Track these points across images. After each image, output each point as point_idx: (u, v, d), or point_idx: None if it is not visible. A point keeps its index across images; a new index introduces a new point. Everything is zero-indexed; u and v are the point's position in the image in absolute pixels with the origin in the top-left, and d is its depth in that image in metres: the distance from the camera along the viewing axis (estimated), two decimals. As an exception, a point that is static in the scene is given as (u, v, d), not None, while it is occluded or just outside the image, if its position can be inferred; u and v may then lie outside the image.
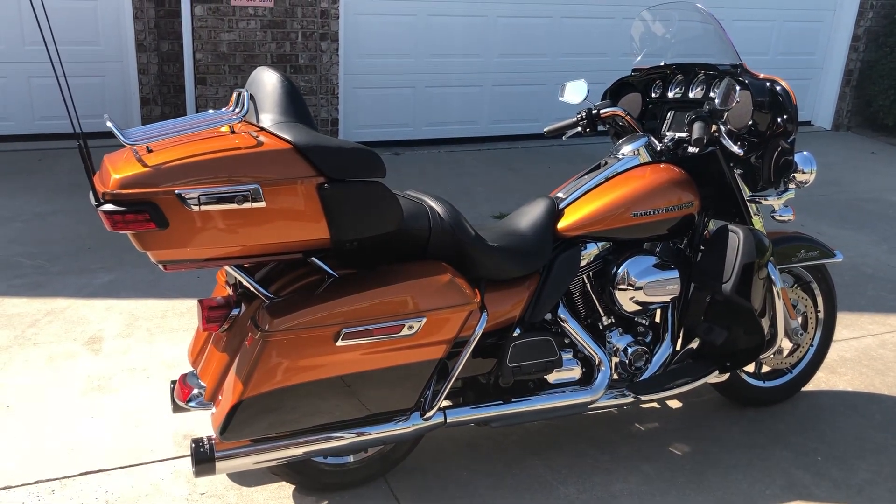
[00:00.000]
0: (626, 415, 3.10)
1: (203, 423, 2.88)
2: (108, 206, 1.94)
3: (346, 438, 2.29)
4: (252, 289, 2.26)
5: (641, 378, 2.77)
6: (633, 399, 2.73)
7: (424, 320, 2.22)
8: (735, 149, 2.62)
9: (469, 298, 2.29)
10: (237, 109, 2.24)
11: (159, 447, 2.76)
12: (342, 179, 2.10)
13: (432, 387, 2.38)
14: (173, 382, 2.55)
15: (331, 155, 2.08)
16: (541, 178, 6.30)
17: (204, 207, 1.97)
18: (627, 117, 3.01)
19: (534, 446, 2.87)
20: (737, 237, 2.65)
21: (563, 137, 3.17)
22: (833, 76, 8.49)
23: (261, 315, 2.15)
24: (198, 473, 2.19)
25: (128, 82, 6.61)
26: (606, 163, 2.82)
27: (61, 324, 3.60)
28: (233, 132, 2.16)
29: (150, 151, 2.05)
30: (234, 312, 2.33)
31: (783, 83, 2.65)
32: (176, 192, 1.96)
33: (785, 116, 2.62)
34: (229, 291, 2.45)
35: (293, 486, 2.58)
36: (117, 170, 1.98)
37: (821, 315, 3.20)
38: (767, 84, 2.66)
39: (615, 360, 2.75)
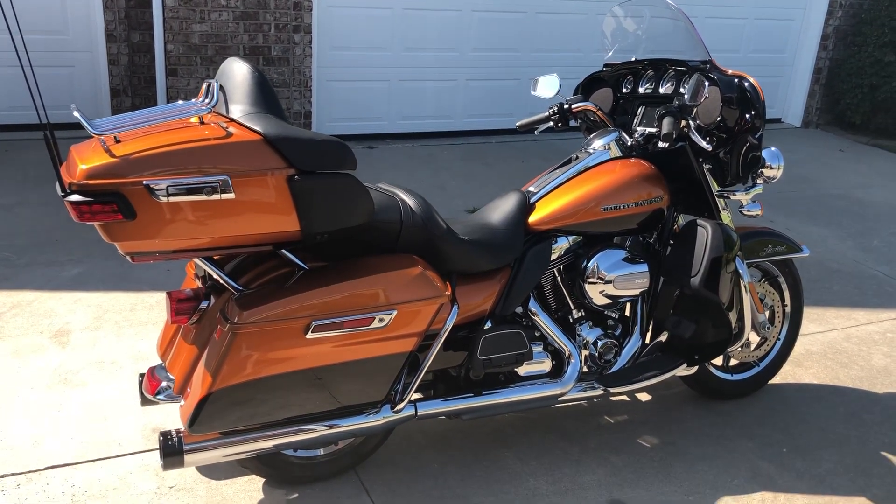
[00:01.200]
0: (596, 407, 3.13)
1: (172, 417, 2.86)
2: (75, 197, 1.92)
3: (317, 431, 2.29)
4: (222, 281, 2.25)
5: (611, 371, 2.80)
6: (602, 391, 2.76)
7: (395, 313, 2.23)
8: (704, 144, 2.66)
9: (440, 291, 2.30)
10: (207, 100, 2.22)
11: (127, 441, 2.74)
12: (312, 171, 2.09)
13: (403, 379, 2.38)
14: (141, 375, 2.53)
15: (301, 146, 2.07)
16: (514, 173, 6.32)
17: (172, 199, 1.96)
18: (599, 112, 3.03)
19: (504, 439, 2.89)
20: (705, 231, 2.68)
21: (536, 132, 3.18)
22: (803, 74, 8.60)
23: (230, 307, 2.14)
24: (166, 466, 2.18)
25: (97, 73, 6.52)
26: (577, 157, 2.84)
27: (27, 317, 3.55)
28: (202, 123, 2.14)
29: (118, 142, 2.03)
30: (203, 305, 2.32)
31: (751, 79, 2.68)
32: (144, 182, 1.94)
33: (753, 112, 2.65)
34: (198, 284, 2.43)
35: (263, 480, 2.57)
36: (84, 160, 1.96)
37: (787, 309, 3.25)
38: (736, 80, 2.69)
39: (585, 352, 2.78)
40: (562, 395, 2.68)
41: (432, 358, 2.38)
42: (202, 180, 1.98)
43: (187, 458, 2.19)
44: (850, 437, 3.06)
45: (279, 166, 2.05)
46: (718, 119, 2.69)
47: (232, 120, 2.16)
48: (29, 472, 2.55)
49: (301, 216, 2.10)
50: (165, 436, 2.20)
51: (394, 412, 2.38)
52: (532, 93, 3.19)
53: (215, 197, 1.99)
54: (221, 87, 2.22)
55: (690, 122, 2.69)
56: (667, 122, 2.62)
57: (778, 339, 3.27)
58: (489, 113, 7.45)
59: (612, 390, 2.73)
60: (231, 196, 2.01)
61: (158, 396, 2.31)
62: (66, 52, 6.39)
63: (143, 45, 6.45)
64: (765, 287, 3.20)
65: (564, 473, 2.73)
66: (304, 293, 2.14)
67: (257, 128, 2.07)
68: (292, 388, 2.18)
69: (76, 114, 2.04)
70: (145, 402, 2.50)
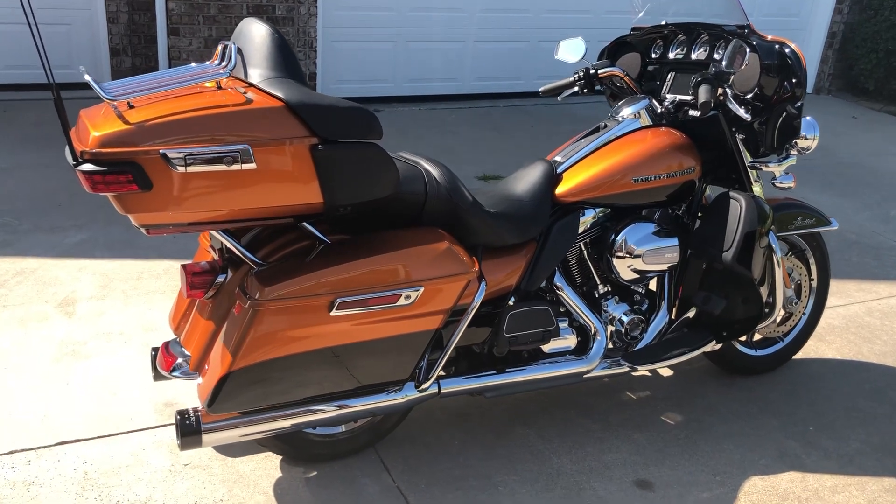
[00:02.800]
0: (617, 383, 3.06)
1: (185, 390, 2.79)
2: (87, 166, 1.81)
3: (338, 410, 2.21)
4: (239, 254, 2.15)
5: (637, 347, 2.72)
6: (627, 369, 2.68)
7: (422, 290, 2.13)
8: (742, 113, 2.54)
9: (467, 267, 2.20)
10: (224, 63, 2.10)
11: (139, 416, 2.66)
12: (336, 140, 1.99)
13: (427, 357, 2.30)
14: (154, 350, 2.45)
15: (325, 114, 1.96)
16: (524, 137, 6.20)
17: (190, 168, 1.85)
18: (626, 78, 2.91)
19: (524, 415, 2.82)
20: (738, 204, 2.58)
21: (559, 97, 3.06)
22: (816, 39, 8.43)
23: (250, 283, 2.04)
24: (183, 446, 2.10)
25: (96, 31, 6.35)
26: (606, 125, 2.73)
27: (32, 285, 3.45)
28: (220, 88, 2.02)
29: (131, 107, 1.91)
30: (220, 278, 2.23)
31: (792, 45, 2.56)
32: (160, 151, 1.83)
33: (794, 80, 2.53)
34: (214, 256, 2.33)
35: (280, 457, 2.50)
36: (97, 126, 1.85)
37: (814, 283, 3.17)
38: (776, 46, 2.57)
39: (610, 328, 2.69)
40: (587, 372, 2.60)
41: (459, 336, 2.30)
42: (222, 149, 1.87)
43: (205, 437, 2.11)
44: (876, 415, 2.99)
45: (302, 135, 1.94)
46: (755, 87, 2.58)
47: (251, 85, 2.04)
48: (39, 447, 2.47)
49: (324, 188, 2.00)
50: (182, 415, 2.12)
51: (418, 391, 2.30)
52: (555, 57, 3.07)
53: (235, 167, 1.89)
54: (239, 50, 2.10)
55: (727, 90, 2.57)
56: (703, 90, 2.50)
57: (803, 313, 3.19)
58: (497, 76, 7.30)
59: (639, 368, 2.65)
60: (252, 166, 1.90)
61: (174, 373, 2.22)
62: (63, 8, 6.21)
63: (143, 3, 6.27)
64: (792, 261, 3.11)
65: (588, 452, 2.66)
66: (328, 269, 2.04)
67: (279, 93, 1.95)
68: (314, 366, 2.09)
69: (87, 77, 1.92)
70: (158, 377, 2.43)
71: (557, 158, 2.66)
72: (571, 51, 3.01)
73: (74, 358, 2.96)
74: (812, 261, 3.14)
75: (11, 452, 2.44)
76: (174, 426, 2.17)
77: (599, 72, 2.91)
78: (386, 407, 2.29)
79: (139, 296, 3.44)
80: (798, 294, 3.14)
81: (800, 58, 2.54)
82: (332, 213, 2.07)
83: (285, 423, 2.18)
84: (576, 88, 2.98)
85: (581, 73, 2.93)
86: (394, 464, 2.52)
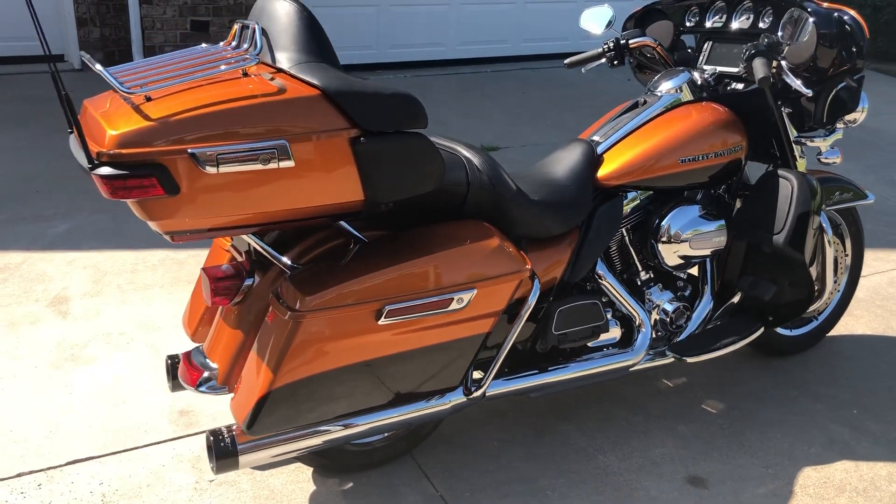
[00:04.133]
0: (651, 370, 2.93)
1: (201, 398, 2.58)
2: (105, 170, 1.59)
3: (382, 421, 2.04)
4: (270, 257, 1.95)
5: (681, 337, 2.58)
6: (672, 360, 2.54)
7: (475, 292, 1.95)
8: (802, 88, 2.37)
9: (521, 265, 2.02)
10: (247, 47, 1.88)
11: (153, 427, 2.47)
12: (379, 132, 1.78)
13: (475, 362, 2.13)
14: (171, 358, 2.25)
15: (366, 102, 1.76)
16: (517, 105, 6.00)
17: (223, 169, 1.64)
18: (658, 48, 2.73)
19: (560, 409, 2.68)
20: (789, 184, 2.43)
21: (583, 69, 2.87)
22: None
23: (286, 290, 1.84)
24: (219, 470, 1.92)
25: (59, 1, 5.96)
26: (646, 101, 2.55)
27: (19, 282, 3.21)
28: (245, 76, 1.80)
29: (149, 100, 1.69)
30: (247, 283, 2.03)
31: (852, 12, 2.39)
32: (189, 150, 1.62)
33: (853, 50, 2.37)
34: (237, 257, 2.12)
35: (311, 468, 2.33)
36: (113, 123, 1.63)
37: (848, 259, 3.05)
38: (835, 14, 2.40)
39: (654, 318, 2.55)
40: (633, 365, 2.46)
41: (514, 337, 2.13)
42: (257, 146, 1.66)
43: (242, 459, 1.92)
44: (890, 387, 2.90)
45: (342, 126, 1.74)
46: (811, 58, 2.41)
47: (280, 71, 1.82)
48: (49, 468, 2.27)
49: (366, 184, 1.80)
50: (216, 436, 1.93)
51: (467, 398, 2.13)
52: (579, 26, 2.87)
53: (272, 165, 1.68)
54: (264, 32, 1.87)
55: (782, 62, 2.40)
56: (759, 63, 2.32)
57: (838, 290, 3.08)
58: (483, 40, 7.06)
59: (689, 360, 2.51)
60: (289, 164, 1.70)
61: (201, 389, 2.03)
62: (23, -24, 5.82)
63: (111, -31, 5.90)
64: (830, 237, 2.98)
65: (633, 447, 2.53)
66: (374, 273, 1.85)
67: (314, 81, 1.74)
68: (361, 379, 1.91)
69: (98, 67, 1.69)
70: (177, 387, 2.24)
71: (595, 138, 2.48)
72: (597, 19, 2.81)
73: (75, 363, 2.75)
74: (847, 236, 3.02)
75: (19, 475, 2.24)
76: (207, 448, 1.98)
77: (630, 42, 2.72)
78: (430, 415, 2.13)
79: (136, 291, 3.22)
80: (835, 271, 3.02)
81: (862, 26, 2.37)
82: (372, 210, 1.87)
83: (326, 439, 2.00)
84: (603, 60, 2.79)
85: (611, 44, 2.74)
86: (433, 470, 2.37)
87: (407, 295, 1.87)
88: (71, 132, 1.96)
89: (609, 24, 2.79)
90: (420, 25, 6.71)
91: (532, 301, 2.10)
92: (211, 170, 1.63)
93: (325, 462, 2.25)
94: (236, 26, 1.98)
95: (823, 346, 3.15)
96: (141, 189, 1.61)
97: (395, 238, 1.99)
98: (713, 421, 2.68)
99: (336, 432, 1.98)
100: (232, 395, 1.99)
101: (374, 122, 1.77)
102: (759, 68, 2.31)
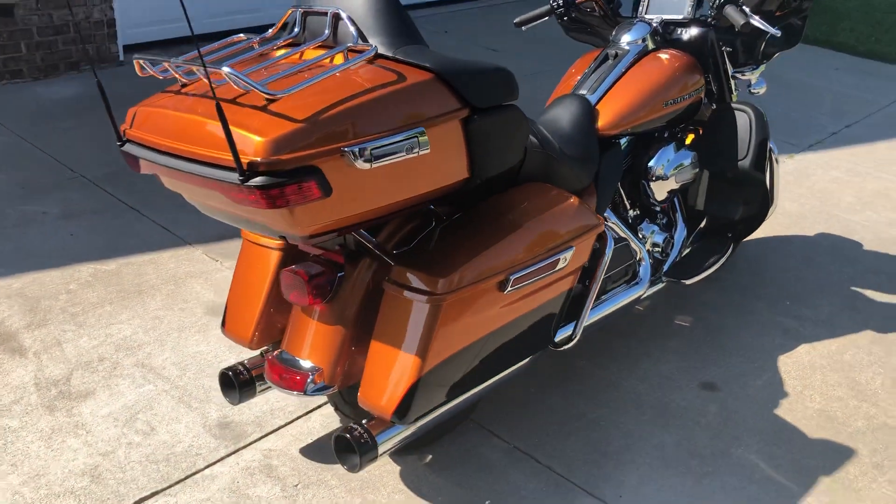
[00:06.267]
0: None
1: (231, 408, 2.45)
2: (260, 180, 1.51)
3: (494, 382, 2.09)
4: (371, 247, 1.93)
5: (667, 264, 2.86)
6: (664, 284, 2.82)
7: (573, 250, 2.07)
8: (770, 29, 2.67)
9: (597, 219, 2.17)
10: (328, 34, 1.82)
11: (203, 446, 2.33)
12: (485, 108, 1.83)
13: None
14: (229, 371, 2.15)
15: (476, 80, 1.80)
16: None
17: (376, 164, 1.61)
18: (601, 3, 2.93)
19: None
20: (746, 116, 2.78)
21: (524, 28, 3.01)
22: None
23: (413, 275, 1.84)
24: (363, 465, 1.89)
25: None
26: (616, 54, 2.75)
27: (-59, 326, 2.78)
28: (369, 64, 1.75)
29: (272, 100, 1.60)
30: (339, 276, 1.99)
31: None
32: (344, 149, 1.57)
33: None
34: (312, 252, 2.05)
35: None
36: (256, 129, 1.53)
37: None
38: None
39: (647, 250, 2.80)
40: (642, 295, 2.71)
41: (599, 285, 2.29)
42: (401, 137, 1.65)
43: (380, 449, 1.92)
44: (822, 281, 3.44)
45: (457, 107, 1.77)
46: (759, 1, 2.73)
47: (380, 56, 1.79)
48: (120, 514, 2.09)
49: (473, 162, 1.84)
50: (351, 432, 1.89)
51: (557, 348, 2.25)
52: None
53: (413, 154, 1.68)
54: (350, 18, 1.81)
55: (746, 8, 2.69)
56: (733, 10, 2.60)
57: None
58: None
59: (688, 281, 2.81)
60: (426, 150, 1.70)
61: (312, 393, 1.97)
62: None
63: None
64: None
65: (644, 369, 2.80)
66: (494, 247, 1.90)
67: (426, 63, 1.74)
68: (485, 349, 1.97)
69: (226, 70, 1.56)
70: (243, 399, 2.16)
71: (582, 92, 2.65)
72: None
73: (69, 400, 2.48)
74: None
75: (92, 529, 2.04)
76: (338, 452, 1.93)
77: (578, -1, 2.90)
78: (522, 369, 2.20)
79: (87, 312, 2.92)
80: None
81: (808, -30, 2.73)
82: (467, 188, 1.92)
83: (450, 412, 2.04)
84: (548, 18, 2.95)
85: (560, 1, 2.90)
86: (497, 428, 2.47)
87: (526, 262, 1.95)
88: (121, 144, 1.80)
89: None
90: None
91: (609, 250, 2.26)
92: (364, 165, 1.60)
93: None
94: (293, 11, 1.89)
95: (745, 255, 3.61)
96: (298, 194, 1.55)
97: (476, 213, 2.03)
98: (691, 334, 3.02)
99: (461, 403, 2.03)
100: (332, 390, 1.98)
101: (482, 99, 1.81)
102: (736, 15, 2.59)
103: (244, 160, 1.51)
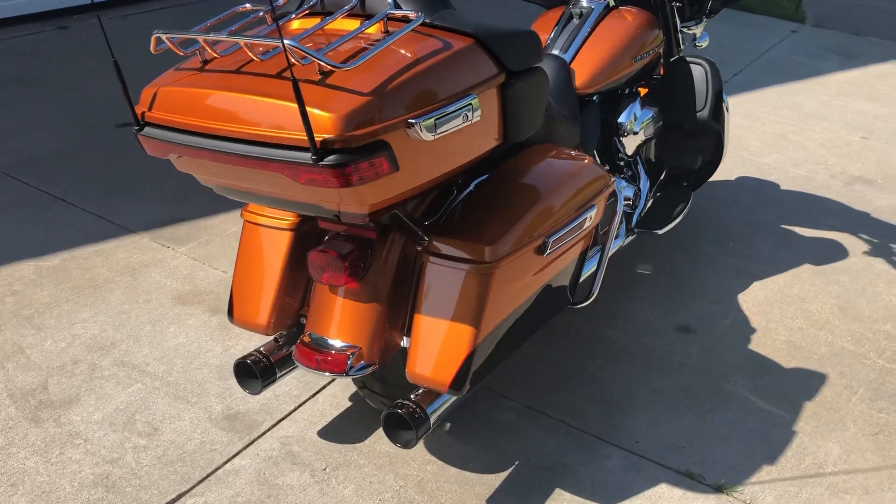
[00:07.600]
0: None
1: (236, 394, 2.35)
2: (334, 158, 1.45)
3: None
4: (406, 220, 1.89)
5: (635, 215, 2.96)
6: (635, 235, 2.93)
7: (595, 209, 2.10)
8: None
9: (609, 176, 2.21)
10: (355, 3, 1.75)
11: (216, 441, 2.23)
12: (517, 72, 1.82)
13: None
14: (247, 360, 2.06)
15: (511, 43, 1.79)
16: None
17: (439, 133, 1.58)
18: (556, -36, 2.95)
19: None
20: (702, 69, 2.90)
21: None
22: None
23: (461, 247, 1.82)
24: (418, 440, 1.87)
25: None
26: (581, 13, 2.78)
27: None
28: (387, 32, 1.69)
29: (327, 72, 1.53)
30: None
31: (740, -88, 2.85)
32: (410, 121, 1.53)
33: None
34: (337, 229, 1.98)
35: (406, 423, 2.32)
36: (323, 105, 1.46)
37: None
38: None
39: (619, 202, 2.89)
40: (621, 246, 2.80)
41: (611, 244, 2.34)
42: (459, 105, 1.63)
43: (431, 419, 1.90)
44: (754, 221, 3.66)
45: (496, 71, 1.76)
46: None
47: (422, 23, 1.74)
48: (150, 522, 1.97)
49: (506, 127, 1.84)
50: (404, 408, 1.86)
51: (576, 305, 2.28)
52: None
53: (468, 122, 1.66)
54: (382, -14, 1.74)
55: None
56: None
57: None
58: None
59: (660, 231, 2.92)
60: (478, 117, 1.68)
61: (354, 373, 1.91)
62: None
63: None
64: None
65: (624, 318, 2.90)
66: (530, 212, 1.90)
67: (467, 28, 1.72)
68: (525, 313, 1.98)
69: (287, 42, 1.46)
70: (265, 388, 2.08)
71: (555, 52, 2.67)
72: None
73: (53, 408, 2.31)
74: None
75: (124, 541, 1.92)
76: (388, 429, 1.89)
77: (533, -41, 2.91)
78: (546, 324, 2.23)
79: (43, 314, 2.70)
80: None
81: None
82: (494, 154, 1.91)
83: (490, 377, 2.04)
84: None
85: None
86: (506, 391, 2.50)
87: (561, 224, 1.97)
88: (139, 129, 1.69)
89: None
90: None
91: (621, 205, 2.31)
92: (428, 136, 1.56)
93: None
94: (323, -16, 1.80)
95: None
96: (371, 171, 1.50)
97: (500, 178, 2.03)
98: (656, 280, 3.15)
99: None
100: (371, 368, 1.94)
101: (517, 63, 1.80)
102: None
103: (322, 137, 1.44)
